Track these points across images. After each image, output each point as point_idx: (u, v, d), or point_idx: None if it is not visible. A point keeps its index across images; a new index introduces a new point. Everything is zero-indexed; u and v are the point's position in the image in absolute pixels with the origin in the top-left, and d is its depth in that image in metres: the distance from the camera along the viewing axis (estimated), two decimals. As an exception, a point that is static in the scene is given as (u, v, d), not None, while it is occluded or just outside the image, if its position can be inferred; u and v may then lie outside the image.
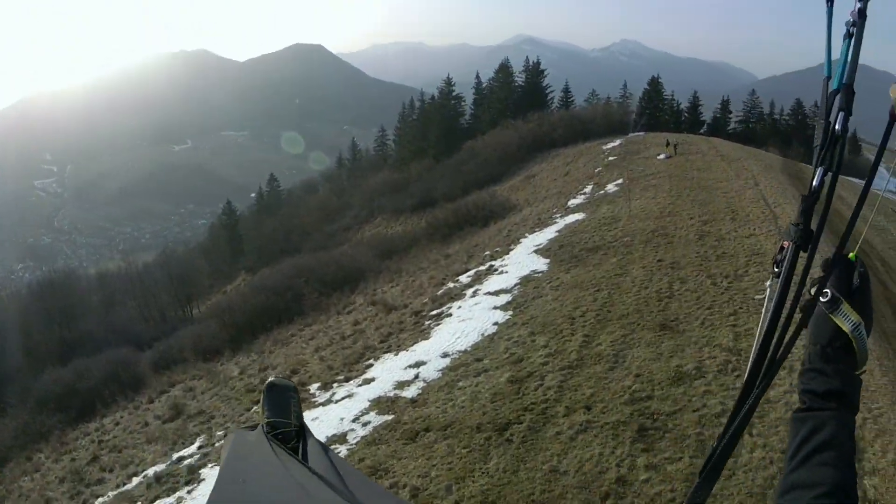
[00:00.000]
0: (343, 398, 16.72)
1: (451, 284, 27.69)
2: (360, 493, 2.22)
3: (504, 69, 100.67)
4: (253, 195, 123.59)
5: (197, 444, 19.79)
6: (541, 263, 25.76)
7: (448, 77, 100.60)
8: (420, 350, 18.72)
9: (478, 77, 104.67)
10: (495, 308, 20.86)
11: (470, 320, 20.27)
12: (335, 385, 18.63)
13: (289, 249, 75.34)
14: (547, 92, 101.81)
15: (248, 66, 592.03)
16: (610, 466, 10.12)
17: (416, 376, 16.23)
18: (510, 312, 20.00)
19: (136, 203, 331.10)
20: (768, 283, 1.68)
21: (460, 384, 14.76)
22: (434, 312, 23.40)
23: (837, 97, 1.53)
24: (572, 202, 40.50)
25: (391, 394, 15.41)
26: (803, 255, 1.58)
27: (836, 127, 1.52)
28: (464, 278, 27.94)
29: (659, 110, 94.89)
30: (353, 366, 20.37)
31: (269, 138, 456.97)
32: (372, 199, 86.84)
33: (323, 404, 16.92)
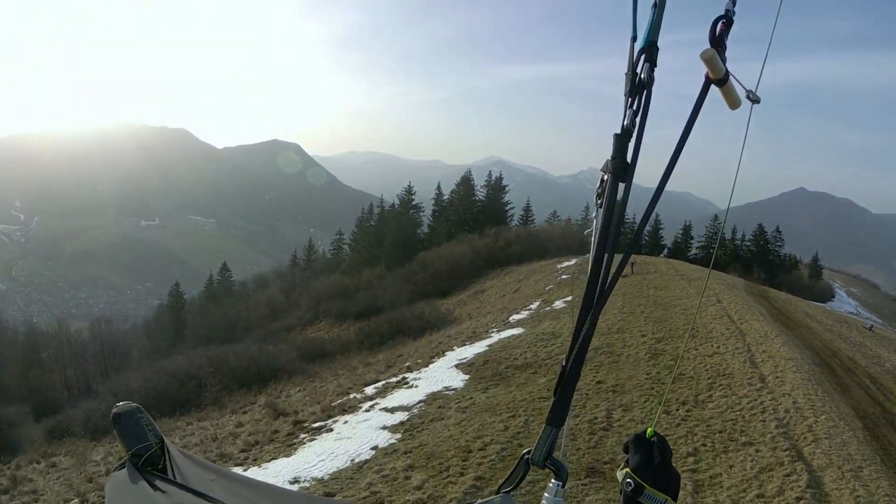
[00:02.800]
0: None
1: (353, 395, 23.54)
2: (230, 490, 2.40)
3: (465, 182, 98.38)
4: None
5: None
6: (458, 380, 21.81)
7: (409, 185, 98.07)
8: (272, 469, 14.71)
9: (439, 188, 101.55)
10: (383, 428, 16.74)
11: (348, 440, 16.16)
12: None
13: (230, 341, 70.69)
14: (507, 208, 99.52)
15: (225, 154, 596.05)
16: None
17: (249, 506, 11.66)
18: (398, 435, 15.82)
19: (96, 271, 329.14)
20: (593, 214, 1.80)
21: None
22: (316, 425, 19.28)
23: (643, 56, 1.73)
24: (514, 317, 36.57)
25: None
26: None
27: (643, 76, 1.71)
28: (370, 389, 23.89)
29: (619, 234, 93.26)
30: (196, 478, 15.74)
31: (236, 230, 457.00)
32: (319, 301, 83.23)
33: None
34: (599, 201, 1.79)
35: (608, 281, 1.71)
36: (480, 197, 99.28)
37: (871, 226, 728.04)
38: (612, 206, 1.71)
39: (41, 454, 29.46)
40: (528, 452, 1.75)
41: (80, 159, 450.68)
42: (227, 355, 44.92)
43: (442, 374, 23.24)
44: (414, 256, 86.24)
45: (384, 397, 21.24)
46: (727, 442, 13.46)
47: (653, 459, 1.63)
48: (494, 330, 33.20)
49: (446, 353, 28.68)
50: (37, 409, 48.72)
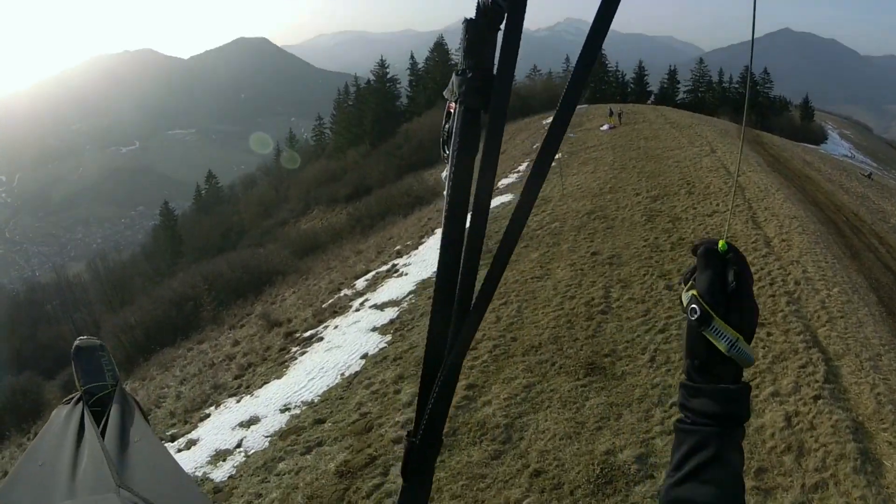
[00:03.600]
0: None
1: (344, 291, 22.70)
2: (142, 464, 2.14)
3: (439, 48, 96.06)
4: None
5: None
6: (448, 262, 20.32)
7: (382, 59, 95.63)
8: (263, 397, 13.76)
9: (413, 58, 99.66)
10: (374, 330, 15.78)
11: (338, 349, 15.23)
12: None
13: (226, 248, 70.77)
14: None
15: (193, 64, 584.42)
16: None
17: (240, 443, 11.43)
18: (388, 338, 14.82)
19: (87, 209, 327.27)
20: (444, 174, 1.08)
21: (281, 466, 9.91)
22: (308, 334, 18.42)
23: None
24: (503, 182, 35.23)
25: (201, 472, 10.66)
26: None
27: None
28: (361, 282, 23.06)
29: (604, 83, 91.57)
30: (192, 414, 15.27)
31: (217, 135, 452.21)
32: (309, 190, 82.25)
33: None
34: (446, 152, 1.07)
35: (474, 291, 1.06)
36: (456, 61, 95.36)
37: (859, 67, 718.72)
38: (471, 159, 1.03)
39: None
40: None
41: (48, 106, 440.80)
42: (221, 267, 44.11)
43: (432, 256, 22.14)
44: (396, 130, 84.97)
45: (374, 291, 20.31)
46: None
47: (726, 283, 1.23)
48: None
49: (435, 230, 27.74)
50: (52, 366, 47.57)
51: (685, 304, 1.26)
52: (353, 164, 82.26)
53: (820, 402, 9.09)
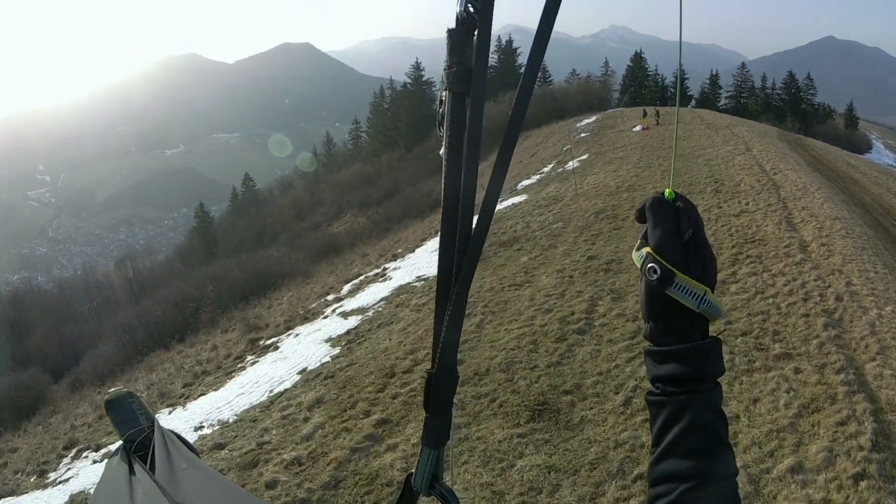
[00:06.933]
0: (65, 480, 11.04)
1: (330, 296, 20.83)
2: (194, 484, 2.30)
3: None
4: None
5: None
6: (435, 266, 18.15)
7: (417, 62, 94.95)
8: (191, 410, 12.40)
9: (447, 61, 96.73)
10: (327, 341, 13.83)
11: (283, 361, 13.47)
12: (79, 456, 12.60)
13: (259, 250, 69.72)
14: (521, 72, 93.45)
15: (237, 68, 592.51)
16: None
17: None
18: (336, 351, 12.82)
19: (130, 210, 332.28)
20: (441, 151, 1.21)
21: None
22: (269, 342, 16.56)
23: None
24: (522, 184, 33.17)
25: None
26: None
27: None
28: (348, 287, 21.13)
29: (643, 87, 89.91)
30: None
31: (261, 139, 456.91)
32: (342, 194, 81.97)
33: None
34: (441, 130, 1.22)
35: (468, 247, 1.14)
36: (493, 63, 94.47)
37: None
38: (461, 135, 1.19)
39: (49, 412, 28.52)
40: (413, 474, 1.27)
41: (93, 110, 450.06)
42: (230, 270, 42.99)
43: (423, 260, 20.49)
44: (430, 133, 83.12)
45: (354, 296, 18.45)
46: (753, 353, 9.04)
47: (682, 233, 1.18)
48: (499, 200, 29.79)
49: (437, 231, 25.56)
50: (70, 363, 46.83)
51: (640, 264, 1.16)
52: (387, 168, 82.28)
53: (863, 484, 6.03)
